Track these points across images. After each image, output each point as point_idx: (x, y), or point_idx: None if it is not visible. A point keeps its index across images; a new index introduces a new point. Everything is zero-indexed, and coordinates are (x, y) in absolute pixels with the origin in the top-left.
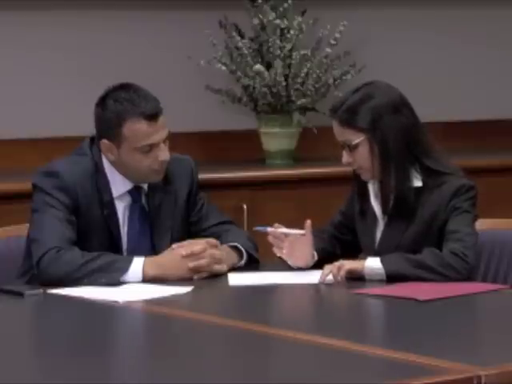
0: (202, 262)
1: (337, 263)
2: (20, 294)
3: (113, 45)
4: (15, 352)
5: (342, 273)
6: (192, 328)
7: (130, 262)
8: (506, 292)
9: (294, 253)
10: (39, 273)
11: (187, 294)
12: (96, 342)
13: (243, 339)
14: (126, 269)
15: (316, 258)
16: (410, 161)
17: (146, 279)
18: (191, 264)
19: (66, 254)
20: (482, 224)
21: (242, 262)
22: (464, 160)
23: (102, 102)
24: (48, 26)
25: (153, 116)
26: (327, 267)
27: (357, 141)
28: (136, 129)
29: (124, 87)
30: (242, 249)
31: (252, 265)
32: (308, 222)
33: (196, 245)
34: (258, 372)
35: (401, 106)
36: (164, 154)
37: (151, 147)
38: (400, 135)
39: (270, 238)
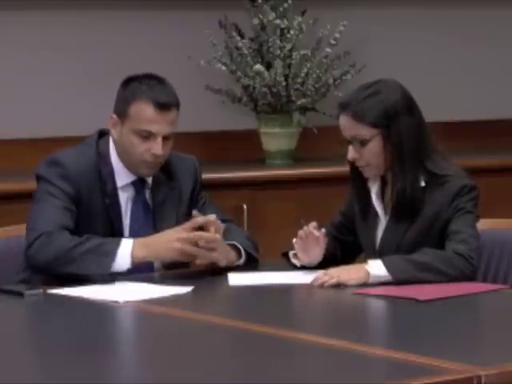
0: (191, 243)
1: (334, 275)
2: (20, 294)
3: (113, 45)
4: (15, 352)
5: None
6: (192, 328)
7: (118, 243)
8: (506, 292)
9: (306, 247)
10: (29, 258)
11: (187, 293)
12: (96, 342)
13: (243, 339)
14: (114, 250)
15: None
16: (418, 161)
17: (136, 261)
18: (178, 244)
19: (57, 238)
20: (482, 224)
21: (241, 260)
22: (464, 160)
23: (127, 81)
24: (48, 26)
25: (162, 105)
26: (321, 274)
27: (369, 136)
28: (141, 109)
29: (151, 75)
30: (241, 247)
31: (251, 264)
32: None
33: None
34: (258, 372)
35: (412, 104)
36: (158, 147)
37: (149, 135)
38: (413, 135)
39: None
